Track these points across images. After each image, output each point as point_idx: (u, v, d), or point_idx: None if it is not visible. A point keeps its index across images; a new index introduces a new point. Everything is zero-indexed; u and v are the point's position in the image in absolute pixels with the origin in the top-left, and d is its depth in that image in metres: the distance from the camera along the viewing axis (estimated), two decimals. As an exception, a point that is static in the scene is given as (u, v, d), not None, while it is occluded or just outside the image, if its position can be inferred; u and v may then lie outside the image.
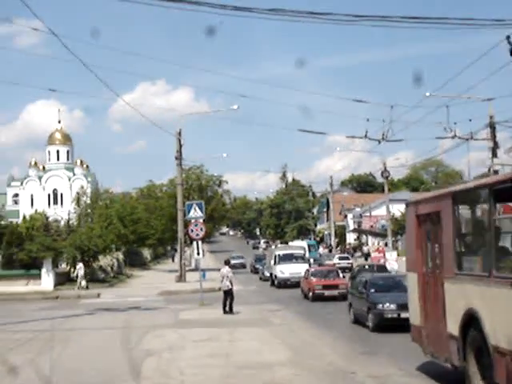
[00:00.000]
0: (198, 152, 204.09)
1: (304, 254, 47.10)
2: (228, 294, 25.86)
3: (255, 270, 59.33)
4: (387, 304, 20.09)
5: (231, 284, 26.21)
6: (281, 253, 45.30)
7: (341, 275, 34.36)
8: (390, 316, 19.92)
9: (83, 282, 41.66)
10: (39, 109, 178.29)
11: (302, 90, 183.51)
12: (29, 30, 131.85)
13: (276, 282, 42.63)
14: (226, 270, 26.85)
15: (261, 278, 50.91)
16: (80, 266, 42.28)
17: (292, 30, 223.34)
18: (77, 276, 42.34)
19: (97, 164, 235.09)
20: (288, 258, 43.82)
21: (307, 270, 36.04)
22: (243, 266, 69.21)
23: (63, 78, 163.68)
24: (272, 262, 44.10)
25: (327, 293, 31.50)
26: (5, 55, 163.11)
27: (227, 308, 25.65)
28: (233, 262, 59.77)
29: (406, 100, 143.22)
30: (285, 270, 42.10)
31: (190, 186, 66.21)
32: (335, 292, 31.56)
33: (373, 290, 21.55)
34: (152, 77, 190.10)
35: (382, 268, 38.21)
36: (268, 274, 46.86)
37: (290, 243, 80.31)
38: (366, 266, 39.56)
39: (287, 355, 15.72)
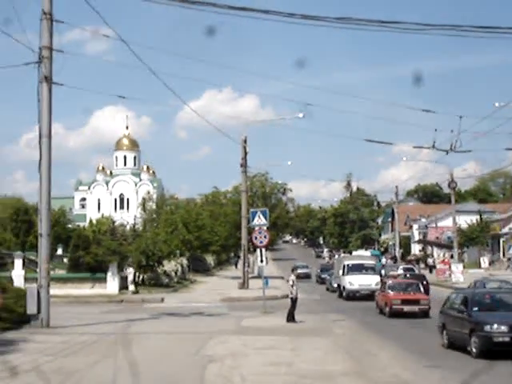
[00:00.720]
0: (262, 159, 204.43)
1: (375, 265, 44.93)
2: (295, 302, 25.62)
3: (321, 281, 56.97)
4: (496, 325, 17.07)
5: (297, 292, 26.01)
6: (350, 263, 43.05)
7: (422, 289, 31.38)
8: (500, 340, 16.91)
9: (131, 287, 41.72)
10: (107, 115, 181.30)
11: (368, 99, 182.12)
12: (98, 36, 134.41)
13: (344, 294, 40.49)
14: (292, 277, 26.72)
15: (328, 289, 48.78)
16: (130, 270, 42.42)
17: (359, 38, 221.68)
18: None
19: (163, 170, 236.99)
20: (358, 269, 41.65)
21: (384, 283, 33.14)
22: (308, 276, 66.01)
23: (131, 85, 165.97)
24: (340, 272, 41.85)
25: (406, 308, 28.77)
26: (75, 61, 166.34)
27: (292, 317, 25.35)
28: (298, 271, 58.84)
29: (476, 110, 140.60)
30: (354, 282, 40.01)
31: (254, 194, 66.55)
32: (415, 308, 28.87)
33: (476, 309, 18.43)
34: (219, 84, 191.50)
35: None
36: (336, 285, 44.59)
37: (354, 253, 79.83)
38: None
39: (350, 365, 15.59)
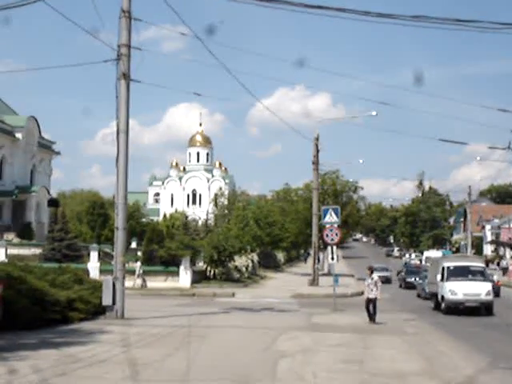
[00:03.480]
0: (333, 157, 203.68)
1: (484, 268, 34.41)
2: (370, 302, 25.24)
3: (406, 285, 50.51)
4: None
5: (368, 292, 25.65)
6: (451, 265, 32.76)
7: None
8: None
9: (138, 281, 41.63)
10: (182, 111, 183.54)
11: (442, 98, 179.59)
12: (174, 34, 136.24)
13: (443, 306, 31.10)
14: (376, 277, 26.31)
15: (419, 296, 41.41)
16: (138, 264, 42.10)
17: (433, 37, 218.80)
18: (137, 274, 42.02)
19: (235, 166, 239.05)
20: (462, 273, 31.92)
21: None
22: (388, 279, 56.88)
23: (206, 82, 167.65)
24: (438, 277, 32.17)
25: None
26: (151, 59, 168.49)
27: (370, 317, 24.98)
28: (374, 274, 55.36)
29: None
30: (457, 290, 30.54)
31: (325, 191, 66.24)
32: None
33: None
34: (291, 82, 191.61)
35: None
36: (430, 293, 35.68)
37: (426, 253, 78.93)
38: None
39: (422, 365, 15.51)
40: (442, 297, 31.18)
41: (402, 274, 55.27)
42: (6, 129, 68.84)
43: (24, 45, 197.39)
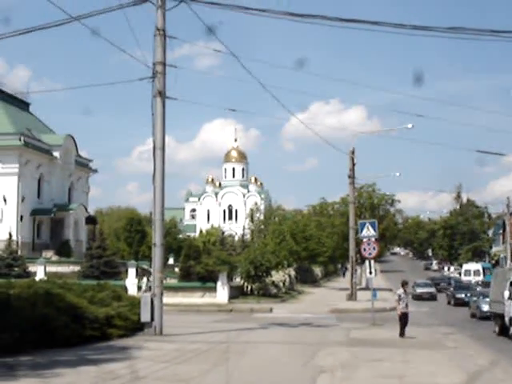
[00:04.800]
0: (370, 170, 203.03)
1: None
2: (403, 317, 25.01)
3: (456, 302, 45.31)
4: None
5: (407, 307, 25.41)
6: None
7: None
8: None
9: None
10: (217, 127, 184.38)
11: (479, 109, 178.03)
12: (208, 51, 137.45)
13: None
14: (401, 291, 25.96)
15: (474, 316, 35.47)
16: (145, 280, 41.70)
17: (468, 48, 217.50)
18: (139, 288, 41.59)
19: (270, 181, 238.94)
20: None
21: None
22: (433, 296, 52.46)
23: (240, 98, 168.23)
24: (506, 293, 25.43)
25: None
26: (186, 75, 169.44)
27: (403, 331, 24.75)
28: (418, 290, 52.91)
29: None
30: None
31: (361, 205, 65.91)
32: None
33: None
34: (325, 96, 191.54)
35: None
36: (489, 311, 29.46)
37: (465, 266, 77.94)
38: None
39: (462, 380, 15.31)
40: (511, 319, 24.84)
41: (451, 289, 49.72)
42: (44, 148, 69.65)
43: (60, 64, 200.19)
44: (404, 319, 24.67)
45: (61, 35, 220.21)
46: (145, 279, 41.92)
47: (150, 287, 40.78)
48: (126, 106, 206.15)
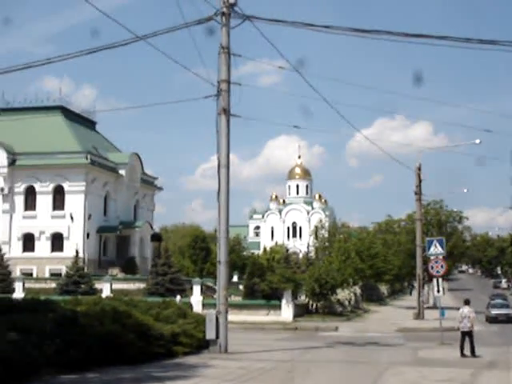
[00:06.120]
0: (436, 187, 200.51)
1: None
2: (467, 336, 24.48)
3: None
4: None
5: (472, 325, 24.85)
6: None
7: None
8: None
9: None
10: (280, 144, 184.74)
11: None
12: (271, 68, 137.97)
13: None
14: (466, 309, 25.34)
15: None
16: (178, 297, 41.08)
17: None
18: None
19: (334, 198, 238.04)
20: None
21: None
22: (510, 319, 45.62)
23: (304, 115, 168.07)
24: None
25: None
26: (250, 93, 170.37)
27: (466, 351, 24.25)
28: (494, 311, 46.96)
29: None
30: None
31: (428, 222, 64.92)
32: None
33: None
34: (391, 111, 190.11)
35: None
36: None
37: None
38: None
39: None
40: None
41: None
42: (110, 166, 70.74)
43: (125, 83, 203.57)
44: (470, 337, 24.09)
45: (126, 54, 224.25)
46: (178, 297, 41.84)
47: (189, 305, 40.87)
48: (190, 123, 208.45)
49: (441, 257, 31.25)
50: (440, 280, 30.70)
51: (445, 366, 21.20)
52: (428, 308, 51.16)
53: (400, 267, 69.10)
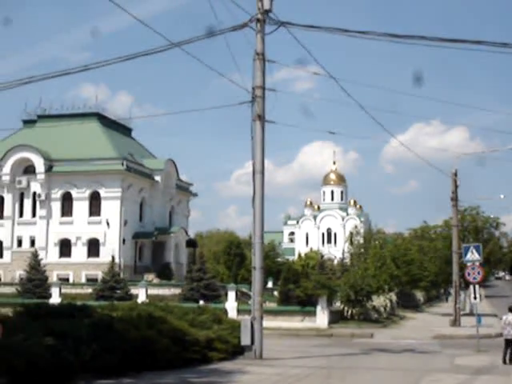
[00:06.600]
0: (473, 192, 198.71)
1: None
2: (510, 344, 24.13)
3: None
4: None
5: None
6: None
7: None
8: None
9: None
10: (315, 150, 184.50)
11: None
12: (306, 74, 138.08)
13: None
14: (510, 317, 24.95)
15: None
16: (201, 302, 40.55)
17: None
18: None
19: (369, 204, 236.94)
20: None
21: None
22: None
23: (339, 120, 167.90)
24: None
25: None
26: (284, 98, 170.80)
27: (507, 358, 23.96)
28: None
29: None
30: None
31: (465, 228, 64.31)
32: None
33: None
34: (426, 117, 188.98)
35: None
36: None
37: None
38: None
39: None
40: None
41: None
42: (146, 172, 71.22)
43: (161, 89, 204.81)
44: (510, 346, 23.77)
45: (162, 61, 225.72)
46: (201, 302, 41.85)
47: None
48: (225, 129, 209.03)
49: (477, 263, 30.96)
50: (477, 287, 30.41)
51: (482, 374, 20.98)
52: (464, 315, 50.60)
53: (436, 274, 68.46)
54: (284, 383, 17.74)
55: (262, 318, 23.88)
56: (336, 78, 26.40)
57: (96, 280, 57.58)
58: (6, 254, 69.59)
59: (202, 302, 40.69)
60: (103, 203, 67.21)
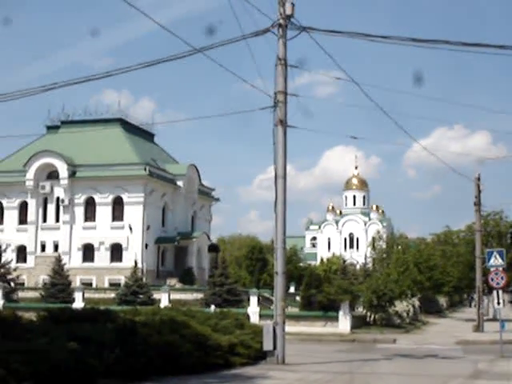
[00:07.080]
0: (496, 197, 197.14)
1: None
2: None
3: None
4: None
5: None
6: None
7: None
8: None
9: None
10: (337, 155, 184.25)
11: None
12: (328, 79, 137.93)
13: None
14: None
15: None
16: (213, 307, 40.41)
17: None
18: None
19: (392, 209, 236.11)
20: None
21: None
22: None
23: (361, 125, 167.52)
24: None
25: None
26: (306, 103, 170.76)
27: None
28: None
29: None
30: None
31: (488, 233, 63.90)
32: None
33: None
34: (449, 121, 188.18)
35: None
36: None
37: None
38: None
39: None
40: None
41: None
42: (168, 177, 71.52)
43: (183, 95, 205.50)
44: None
45: (184, 67, 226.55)
46: (212, 307, 41.84)
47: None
48: (247, 134, 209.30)
49: (501, 268, 30.76)
50: (500, 292, 30.22)
51: (505, 380, 20.82)
52: (488, 320, 50.30)
53: (459, 279, 68.14)
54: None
55: (284, 323, 23.86)
56: (358, 83, 26.41)
57: (119, 285, 57.86)
58: (30, 258, 70.16)
59: (213, 307, 40.71)
60: (126, 208, 67.58)
